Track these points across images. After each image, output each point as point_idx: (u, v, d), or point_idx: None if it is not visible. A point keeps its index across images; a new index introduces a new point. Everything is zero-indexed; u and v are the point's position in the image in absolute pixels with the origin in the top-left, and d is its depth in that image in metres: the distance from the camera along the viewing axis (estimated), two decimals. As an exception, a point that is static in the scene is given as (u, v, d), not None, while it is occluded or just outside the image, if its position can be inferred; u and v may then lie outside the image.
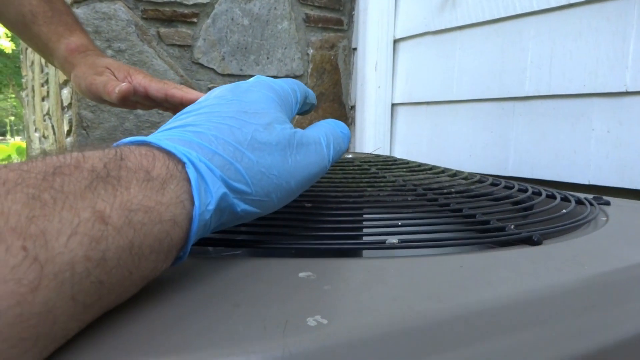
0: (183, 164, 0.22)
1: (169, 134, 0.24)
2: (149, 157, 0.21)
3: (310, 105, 0.36)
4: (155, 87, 0.54)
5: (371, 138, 1.26)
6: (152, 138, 0.23)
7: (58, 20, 0.60)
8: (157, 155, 0.22)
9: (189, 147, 0.23)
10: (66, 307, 0.16)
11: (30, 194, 0.16)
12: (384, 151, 1.26)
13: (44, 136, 1.84)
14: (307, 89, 0.35)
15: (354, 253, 0.30)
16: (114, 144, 0.23)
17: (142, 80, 0.54)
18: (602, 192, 0.78)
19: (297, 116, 0.35)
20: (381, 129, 1.25)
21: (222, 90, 0.28)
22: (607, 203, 0.51)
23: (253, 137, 0.25)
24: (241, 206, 0.24)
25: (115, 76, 0.54)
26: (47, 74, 1.58)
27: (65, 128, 1.21)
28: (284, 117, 0.28)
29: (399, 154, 1.25)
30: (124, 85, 0.50)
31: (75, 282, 0.16)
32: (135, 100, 0.56)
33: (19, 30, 0.62)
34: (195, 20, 1.16)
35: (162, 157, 0.22)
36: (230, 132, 0.25)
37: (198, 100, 0.28)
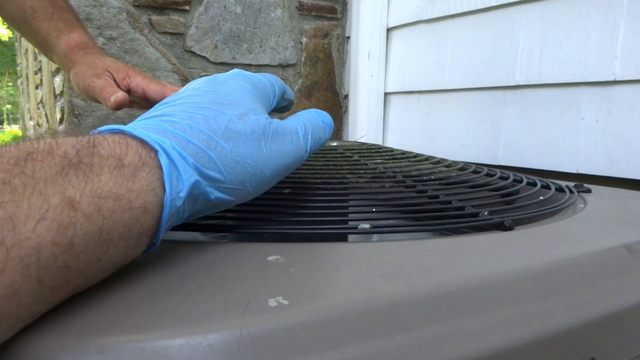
0: (156, 151, 0.22)
1: (144, 123, 0.25)
2: (122, 145, 0.22)
3: (288, 101, 0.36)
4: (154, 89, 0.55)
5: (364, 127, 1.26)
6: (126, 127, 0.24)
7: (58, 16, 0.61)
8: (130, 143, 0.22)
9: (162, 136, 0.23)
10: (32, 289, 0.17)
11: (0, 178, 0.17)
12: (376, 139, 1.26)
13: (38, 124, 1.84)
14: (285, 85, 0.35)
15: (326, 238, 0.30)
16: (90, 133, 0.24)
17: (140, 82, 0.55)
18: (590, 181, 0.79)
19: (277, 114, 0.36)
20: (374, 118, 1.25)
21: (199, 82, 0.29)
22: (589, 191, 0.51)
23: (227, 127, 0.25)
24: (215, 194, 0.25)
25: (114, 78, 0.55)
26: (40, 62, 1.58)
27: (58, 116, 1.21)
28: (260, 108, 0.29)
29: (391, 143, 1.26)
30: (119, 95, 0.51)
31: (41, 266, 0.17)
32: (132, 100, 0.57)
33: (19, 25, 0.63)
34: (187, 7, 1.16)
35: (135, 145, 0.22)
36: (205, 121, 0.25)
37: (176, 92, 0.28)
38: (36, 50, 1.68)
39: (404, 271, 0.25)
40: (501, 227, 0.32)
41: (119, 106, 0.51)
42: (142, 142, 0.23)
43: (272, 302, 0.20)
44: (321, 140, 0.32)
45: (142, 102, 0.57)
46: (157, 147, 0.22)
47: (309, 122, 0.31)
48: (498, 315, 0.24)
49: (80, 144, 0.20)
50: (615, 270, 0.29)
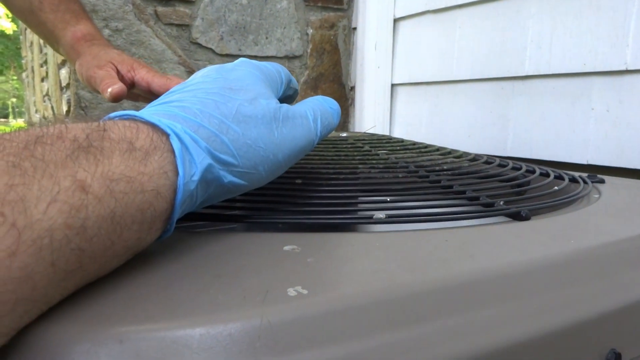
0: (167, 135, 0.22)
1: (155, 109, 0.24)
2: (133, 129, 0.22)
3: (293, 90, 0.36)
4: (158, 82, 0.54)
5: (371, 119, 1.25)
6: (137, 112, 0.23)
7: (65, 7, 0.61)
8: (141, 127, 0.22)
9: (174, 120, 0.23)
10: (45, 272, 0.16)
11: (10, 162, 0.16)
12: (383, 131, 1.25)
13: (44, 117, 1.84)
14: (289, 74, 0.35)
15: (341, 228, 0.30)
16: (101, 119, 0.24)
17: (145, 75, 0.55)
18: (600, 172, 0.78)
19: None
20: (381, 109, 1.25)
21: (207, 70, 0.29)
22: (602, 181, 0.50)
23: (238, 111, 0.25)
24: (228, 178, 0.25)
25: (118, 70, 0.55)
26: (46, 54, 1.58)
27: (64, 108, 1.21)
28: (269, 93, 0.29)
29: (398, 134, 1.25)
30: (116, 87, 0.51)
31: (54, 249, 0.17)
32: (137, 93, 0.57)
33: (25, 17, 0.63)
34: (193, -1, 1.15)
35: (146, 129, 0.22)
36: (215, 106, 0.25)
37: (184, 81, 0.28)
38: (42, 43, 1.68)
39: (422, 261, 0.24)
40: (518, 217, 0.32)
41: (115, 98, 0.50)
42: (154, 126, 0.22)
43: (292, 292, 0.20)
44: (330, 125, 0.32)
45: (146, 95, 0.57)
46: (168, 131, 0.22)
47: (318, 107, 0.31)
48: (517, 306, 0.23)
49: (90, 128, 0.20)
50: (634, 260, 0.29)
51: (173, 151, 0.22)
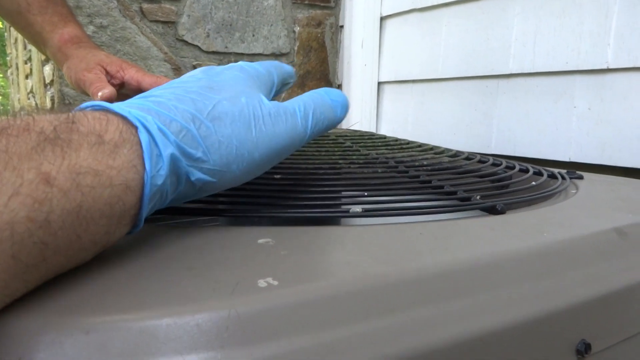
0: (136, 128, 0.22)
1: (130, 102, 0.24)
2: (103, 121, 0.21)
3: (289, 83, 0.36)
4: (149, 81, 0.55)
5: (357, 116, 1.25)
6: (110, 104, 0.23)
7: (52, 10, 0.61)
8: (112, 119, 0.22)
9: (146, 113, 0.23)
10: (6, 265, 0.16)
11: None
12: (370, 129, 1.26)
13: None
14: (284, 68, 0.34)
15: (318, 221, 0.30)
16: (73, 109, 0.23)
17: (135, 74, 0.55)
18: (582, 169, 0.79)
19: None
20: (367, 107, 1.25)
21: (196, 71, 0.29)
22: (580, 177, 0.51)
23: (214, 108, 0.25)
24: (196, 175, 0.24)
25: (107, 71, 0.55)
26: (30, 51, 1.56)
27: (48, 105, 1.20)
28: (252, 92, 0.28)
29: (385, 132, 1.25)
30: (106, 91, 0.51)
31: (15, 242, 0.16)
32: (125, 93, 0.57)
33: (13, 18, 0.63)
34: (178, -5, 1.15)
35: (116, 122, 0.22)
36: (192, 103, 0.25)
37: (171, 80, 0.28)
38: (25, 39, 1.66)
39: (395, 254, 0.24)
40: (493, 210, 0.32)
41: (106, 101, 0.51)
42: (124, 118, 0.22)
43: (262, 283, 0.20)
44: (328, 120, 0.31)
45: (135, 95, 0.57)
46: (137, 124, 0.22)
47: (312, 101, 0.30)
48: (489, 297, 0.24)
49: (59, 120, 0.20)
50: (605, 253, 0.29)
51: (141, 144, 0.22)
